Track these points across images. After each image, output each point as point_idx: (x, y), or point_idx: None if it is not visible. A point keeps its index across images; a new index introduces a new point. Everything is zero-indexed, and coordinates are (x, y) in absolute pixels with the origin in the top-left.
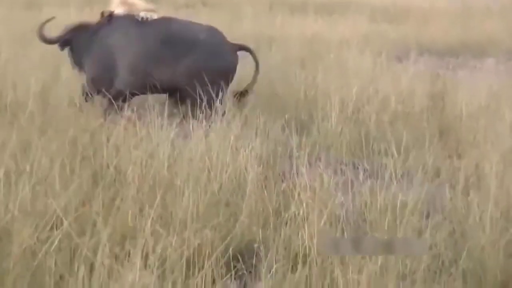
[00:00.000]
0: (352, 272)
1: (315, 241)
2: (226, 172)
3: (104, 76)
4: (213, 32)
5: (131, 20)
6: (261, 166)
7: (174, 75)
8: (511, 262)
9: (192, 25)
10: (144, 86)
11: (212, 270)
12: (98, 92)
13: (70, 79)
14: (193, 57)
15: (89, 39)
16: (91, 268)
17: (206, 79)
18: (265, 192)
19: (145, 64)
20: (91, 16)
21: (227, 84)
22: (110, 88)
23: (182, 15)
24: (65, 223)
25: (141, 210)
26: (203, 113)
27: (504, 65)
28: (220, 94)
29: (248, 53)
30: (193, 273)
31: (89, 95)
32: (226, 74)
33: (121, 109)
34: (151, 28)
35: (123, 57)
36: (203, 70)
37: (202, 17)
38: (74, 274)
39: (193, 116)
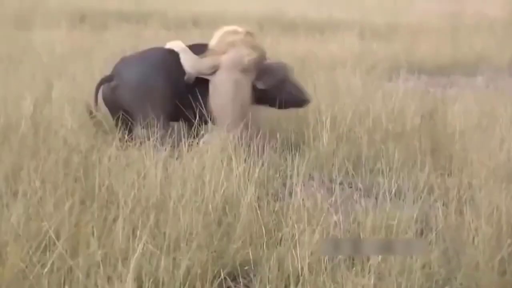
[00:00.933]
0: None
1: (307, 261)
2: (219, 192)
3: None
4: None
5: None
6: (254, 186)
7: None
8: (505, 280)
9: None
10: None
11: None
12: None
13: (62, 99)
14: None
15: None
16: None
17: None
18: (258, 212)
19: None
20: (82, 37)
21: None
22: None
23: (172, 36)
24: (58, 245)
25: (133, 231)
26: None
27: (494, 83)
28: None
29: None
30: None
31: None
32: None
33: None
34: None
35: None
36: None
37: (194, 38)
38: None
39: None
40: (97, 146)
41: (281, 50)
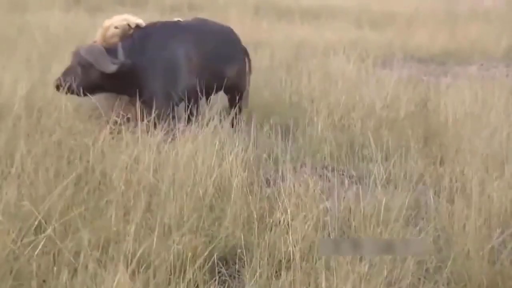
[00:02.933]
0: (337, 279)
1: (299, 246)
2: (211, 177)
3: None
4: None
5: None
6: (246, 171)
7: None
8: (495, 269)
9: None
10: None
11: (196, 275)
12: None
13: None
14: None
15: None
16: (74, 272)
17: None
18: (250, 197)
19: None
20: (77, 19)
21: None
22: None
23: (168, 18)
24: (49, 227)
25: (125, 214)
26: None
27: (488, 71)
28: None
29: None
30: (177, 278)
31: None
32: None
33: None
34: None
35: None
36: None
37: None
38: (57, 278)
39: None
40: (91, 129)
41: (276, 36)
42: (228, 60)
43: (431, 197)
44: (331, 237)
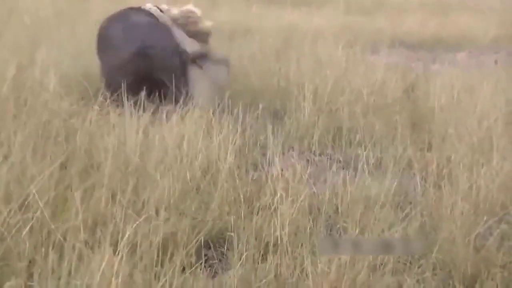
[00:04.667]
0: (322, 263)
1: (286, 230)
2: (198, 160)
3: None
4: None
5: None
6: (234, 155)
7: None
8: (481, 256)
9: None
10: None
11: (183, 258)
12: None
13: (46, 62)
14: None
15: None
16: (62, 253)
17: None
18: (237, 181)
19: None
20: (67, 3)
21: None
22: None
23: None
24: (38, 207)
25: (113, 196)
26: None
27: (477, 59)
28: None
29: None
30: (163, 261)
31: None
32: None
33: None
34: None
35: None
36: None
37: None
38: (44, 259)
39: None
40: (78, 110)
41: (266, 22)
42: None
43: (418, 182)
44: (318, 222)
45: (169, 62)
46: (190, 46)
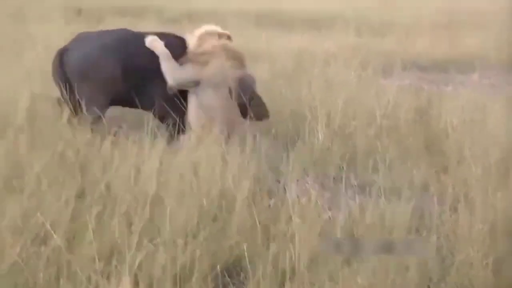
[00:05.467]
0: None
1: (303, 257)
2: (215, 187)
3: None
4: None
5: None
6: (249, 181)
7: None
8: (499, 279)
9: None
10: None
11: (200, 286)
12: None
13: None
14: None
15: None
16: (79, 284)
17: None
18: (253, 207)
19: None
20: (78, 30)
21: None
22: None
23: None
24: (54, 238)
25: (129, 225)
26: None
27: (489, 79)
28: None
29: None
30: None
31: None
32: None
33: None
34: None
35: None
36: None
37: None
38: None
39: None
40: (92, 139)
41: (276, 45)
42: None
43: (435, 205)
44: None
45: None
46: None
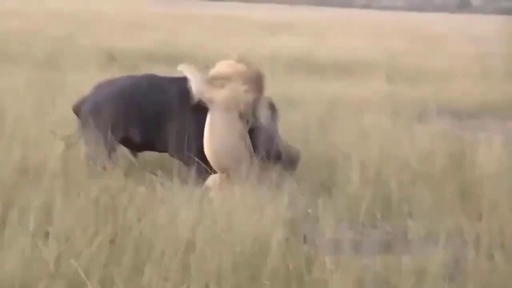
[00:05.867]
0: None
1: None
2: (249, 233)
3: None
4: None
5: None
6: (284, 227)
7: None
8: None
9: None
10: None
11: None
12: None
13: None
14: None
15: None
16: None
17: None
18: (287, 254)
19: None
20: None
21: None
22: None
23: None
24: (87, 285)
25: (162, 271)
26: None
27: None
28: None
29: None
30: None
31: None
32: None
33: None
34: None
35: None
36: None
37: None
38: None
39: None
40: (126, 185)
41: (309, 91)
42: None
43: (470, 253)
44: None
45: None
46: None
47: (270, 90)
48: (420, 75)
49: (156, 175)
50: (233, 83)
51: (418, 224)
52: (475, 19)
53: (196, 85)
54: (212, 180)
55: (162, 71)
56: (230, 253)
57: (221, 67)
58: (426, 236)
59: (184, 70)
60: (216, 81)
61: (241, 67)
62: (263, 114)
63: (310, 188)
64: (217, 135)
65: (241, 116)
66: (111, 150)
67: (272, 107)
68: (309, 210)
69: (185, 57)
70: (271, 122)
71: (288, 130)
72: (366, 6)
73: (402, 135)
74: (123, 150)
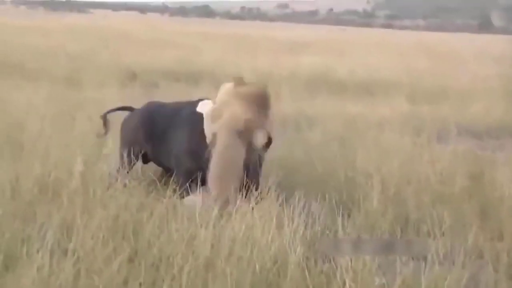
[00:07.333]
0: None
1: None
2: (268, 252)
3: None
4: None
5: None
6: (303, 246)
7: None
8: None
9: None
10: None
11: None
12: None
13: (112, 156)
14: None
15: None
16: None
17: None
18: (306, 272)
19: None
20: (132, 95)
21: None
22: None
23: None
24: None
25: None
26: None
27: None
28: None
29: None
30: None
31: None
32: None
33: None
34: None
35: None
36: None
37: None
38: None
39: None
40: (146, 203)
41: (329, 111)
42: None
43: (490, 272)
44: None
45: None
46: None
47: (291, 108)
48: (440, 95)
49: (175, 191)
50: (230, 107)
51: (437, 244)
52: (496, 39)
53: (206, 129)
54: (191, 199)
55: (182, 89)
56: (249, 271)
57: (220, 95)
58: (445, 256)
59: (203, 108)
60: (215, 113)
61: (239, 89)
62: (259, 141)
63: (329, 206)
64: (217, 161)
65: (243, 136)
66: (131, 166)
67: (269, 139)
68: (329, 228)
69: (205, 75)
70: (261, 152)
71: (308, 148)
72: (387, 26)
73: (422, 155)
74: (143, 167)
